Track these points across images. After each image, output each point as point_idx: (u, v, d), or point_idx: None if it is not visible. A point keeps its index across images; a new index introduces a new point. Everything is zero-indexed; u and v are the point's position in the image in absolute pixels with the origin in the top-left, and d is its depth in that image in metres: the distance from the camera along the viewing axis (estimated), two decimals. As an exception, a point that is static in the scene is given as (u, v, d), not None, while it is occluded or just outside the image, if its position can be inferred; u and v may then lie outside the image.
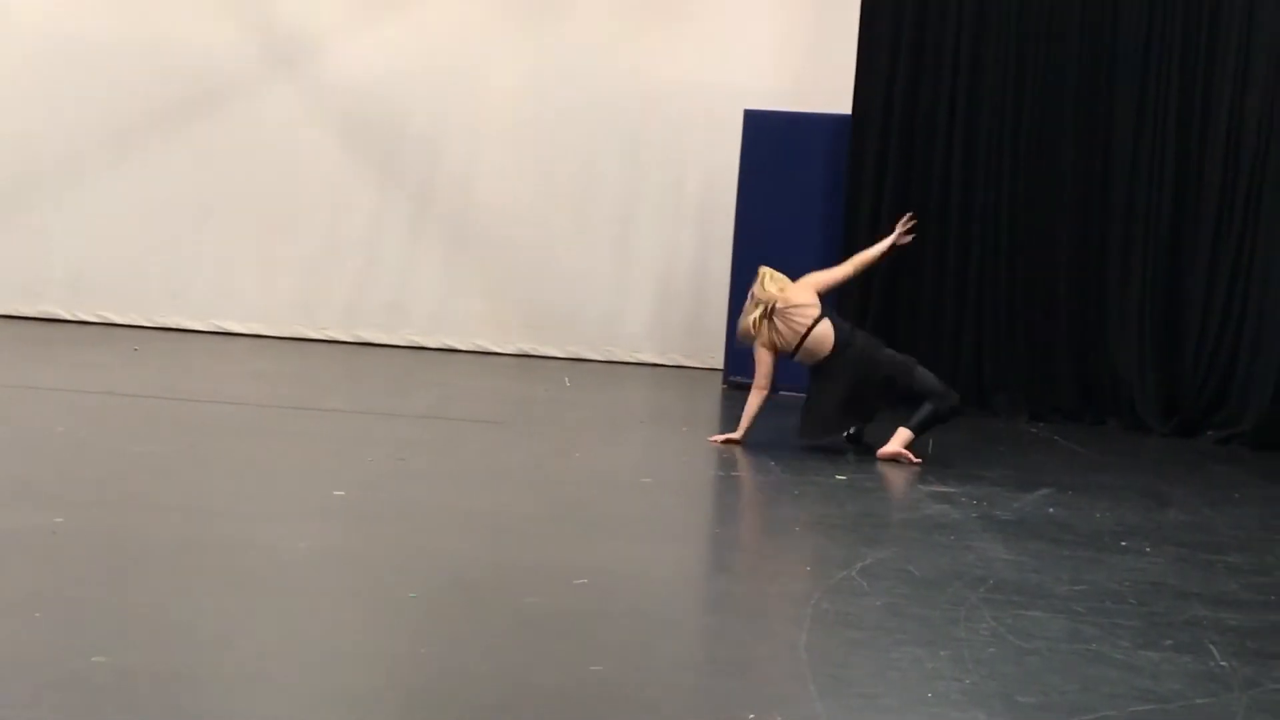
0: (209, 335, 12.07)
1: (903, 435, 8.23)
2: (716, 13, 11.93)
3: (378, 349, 12.02)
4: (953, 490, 7.49)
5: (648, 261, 12.07)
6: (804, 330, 8.36)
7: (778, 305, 8.39)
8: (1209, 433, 9.98)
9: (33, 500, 6.05)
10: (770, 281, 8.48)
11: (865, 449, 8.43)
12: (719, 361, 11.35)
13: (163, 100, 12.18)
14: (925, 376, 8.40)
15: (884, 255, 8.95)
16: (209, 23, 12.09)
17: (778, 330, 8.39)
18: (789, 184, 10.93)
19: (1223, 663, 4.82)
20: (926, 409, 8.28)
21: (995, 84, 10.58)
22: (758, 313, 8.43)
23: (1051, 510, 7.17)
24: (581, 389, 10.71)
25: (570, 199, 12.08)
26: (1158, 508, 7.47)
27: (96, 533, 5.62)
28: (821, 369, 8.43)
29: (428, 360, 11.64)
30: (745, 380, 10.76)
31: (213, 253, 12.21)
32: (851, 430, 8.62)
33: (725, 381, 11.07)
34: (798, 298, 8.43)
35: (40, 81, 12.10)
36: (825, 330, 8.38)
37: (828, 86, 11.06)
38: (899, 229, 8.94)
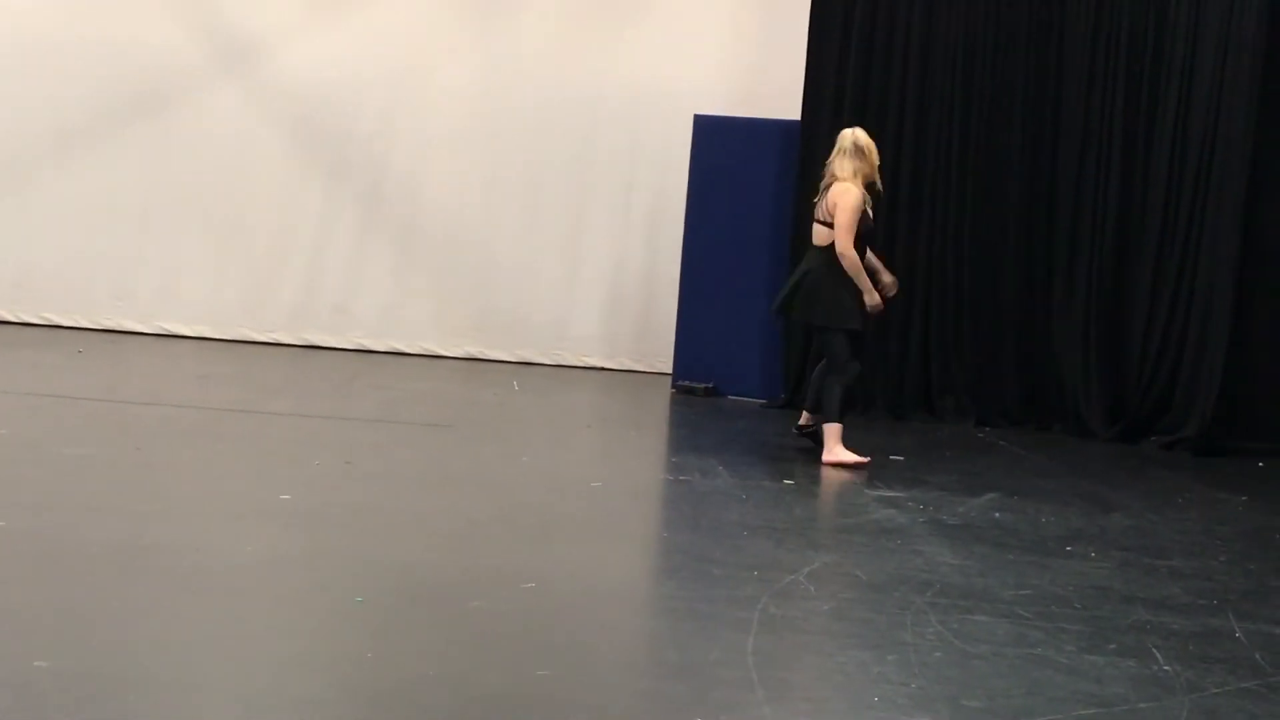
0: (154, 337, 11.98)
1: (835, 432, 8.27)
2: (666, 18, 11.93)
3: (325, 352, 11.96)
4: (899, 495, 7.52)
5: (597, 265, 12.06)
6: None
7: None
8: (1152, 438, 10.06)
9: (-26, 503, 5.98)
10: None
11: (813, 456, 8.45)
12: (668, 366, 11.34)
13: (109, 101, 12.07)
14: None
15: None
16: (156, 23, 11.98)
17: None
18: (738, 188, 10.94)
19: (1166, 667, 4.86)
20: (837, 391, 8.29)
21: (944, 91, 10.63)
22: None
23: (997, 515, 7.21)
24: (530, 393, 10.69)
25: (519, 203, 12.06)
26: (1102, 513, 7.53)
27: (39, 536, 5.57)
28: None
29: (375, 363, 11.59)
30: (693, 384, 10.83)
31: (158, 254, 12.11)
32: (807, 428, 8.63)
33: (674, 386, 11.07)
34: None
35: (-17, 81, 11.98)
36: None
37: (777, 92, 11.09)
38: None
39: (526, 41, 11.97)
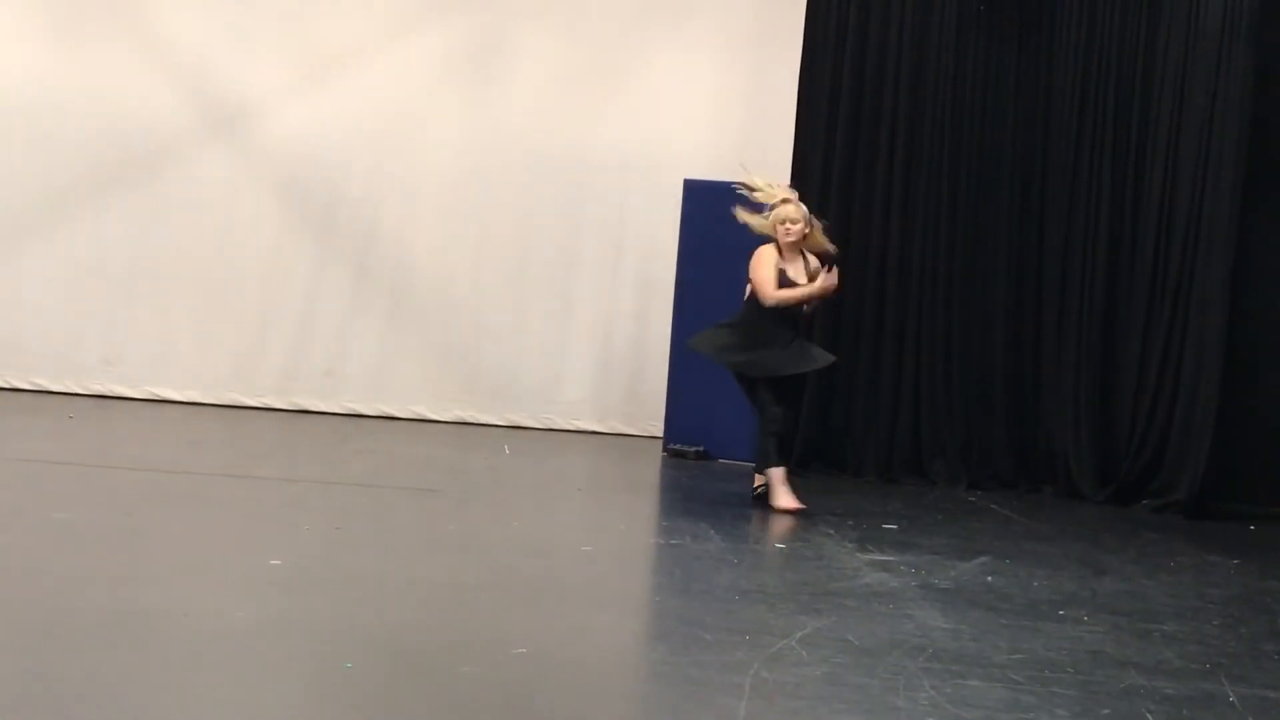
0: (144, 403, 11.96)
1: (779, 476, 8.58)
2: (655, 81, 12.01)
3: (315, 416, 11.94)
4: (891, 559, 7.50)
5: (586, 328, 12.08)
6: (813, 266, 8.75)
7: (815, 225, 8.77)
8: (1144, 501, 10.06)
9: (-38, 569, 5.95)
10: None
11: (805, 519, 8.43)
12: (659, 429, 11.35)
13: (97, 164, 12.10)
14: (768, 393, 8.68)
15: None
16: (145, 86, 12.03)
17: (815, 235, 8.73)
18: (729, 252, 10.95)
19: (1160, 731, 4.83)
20: (772, 442, 8.63)
21: (933, 153, 10.70)
22: (803, 213, 8.72)
23: (989, 579, 7.19)
24: (521, 456, 10.67)
25: (508, 265, 12.09)
26: (1094, 576, 7.51)
27: (27, 603, 5.53)
28: (773, 322, 8.67)
29: (365, 427, 11.57)
30: (684, 447, 10.81)
31: (148, 319, 12.11)
32: (758, 489, 8.79)
33: (665, 449, 11.06)
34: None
35: (-28, 144, 12.01)
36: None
37: (767, 155, 11.13)
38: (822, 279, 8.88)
39: (515, 105, 12.04)
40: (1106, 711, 5.01)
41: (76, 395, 11.98)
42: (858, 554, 7.61)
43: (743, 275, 10.99)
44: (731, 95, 11.94)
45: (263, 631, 5.38)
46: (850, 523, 8.57)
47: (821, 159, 10.73)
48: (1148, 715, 5.00)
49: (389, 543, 7.28)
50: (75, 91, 12.03)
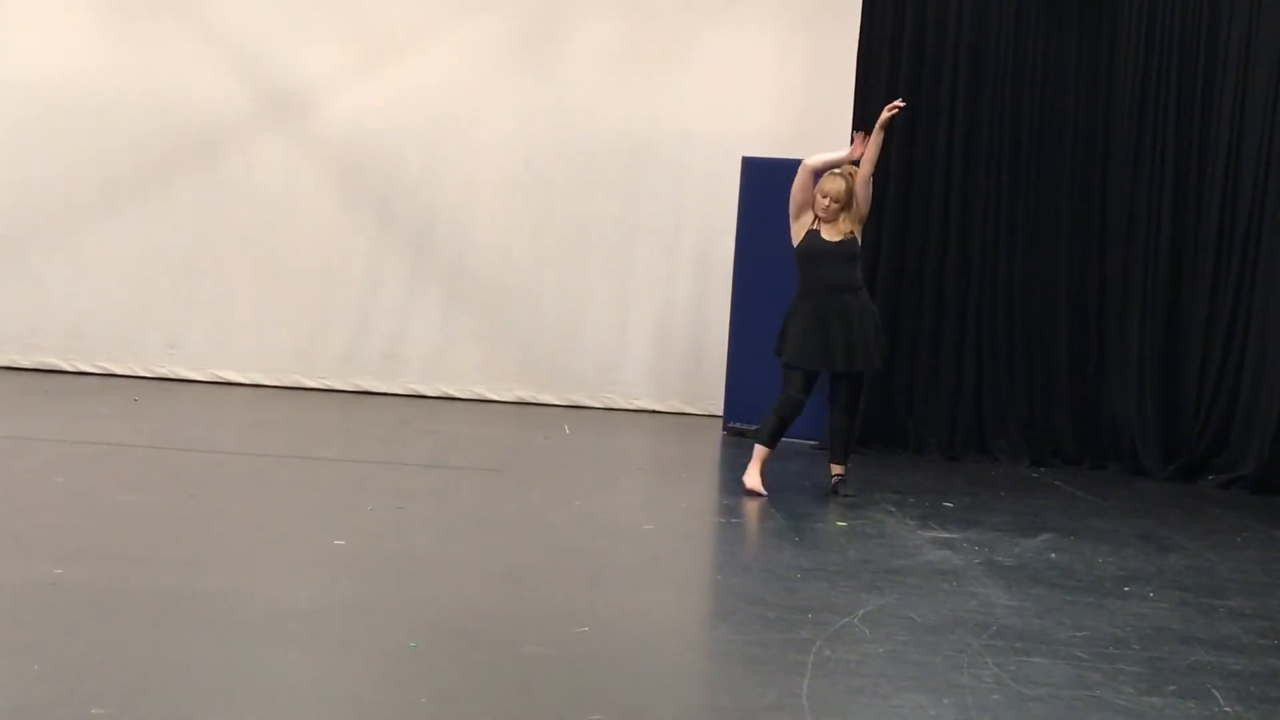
0: (207, 385, 12.06)
1: (761, 454, 8.38)
2: (712, 59, 11.98)
3: (376, 397, 12.01)
4: (954, 536, 7.47)
5: (645, 307, 12.08)
6: (851, 227, 8.43)
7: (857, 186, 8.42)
8: (1210, 477, 9.97)
9: (31, 552, 6.02)
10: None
11: (864, 498, 8.41)
12: (719, 408, 11.34)
13: (159, 151, 12.20)
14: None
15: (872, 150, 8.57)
16: (205, 75, 12.12)
17: (854, 197, 8.39)
18: (786, 230, 10.92)
19: (1226, 708, 4.80)
20: (774, 420, 8.40)
21: (993, 125, 10.63)
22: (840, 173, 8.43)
23: (1053, 555, 7.15)
24: (580, 436, 10.69)
25: (566, 246, 12.10)
26: (1159, 552, 7.45)
27: (95, 584, 5.59)
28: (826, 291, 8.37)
29: (426, 408, 11.63)
30: (745, 426, 10.79)
31: (210, 302, 12.21)
32: (836, 480, 8.60)
33: (725, 428, 11.05)
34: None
35: (38, 134, 12.12)
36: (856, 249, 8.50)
37: (825, 131, 11.09)
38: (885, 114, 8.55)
39: (572, 86, 12.04)
40: (1172, 688, 4.98)
41: (141, 378, 12.09)
42: (920, 531, 7.58)
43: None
44: (790, 71, 11.89)
45: (327, 612, 5.42)
46: (912, 500, 8.54)
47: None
48: (1214, 691, 4.96)
49: (451, 523, 7.32)
50: (135, 81, 12.12)
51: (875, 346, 8.42)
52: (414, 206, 12.22)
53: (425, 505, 7.70)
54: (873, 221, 10.65)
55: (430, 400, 12.03)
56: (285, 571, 5.99)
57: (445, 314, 12.22)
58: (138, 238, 12.18)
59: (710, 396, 11.67)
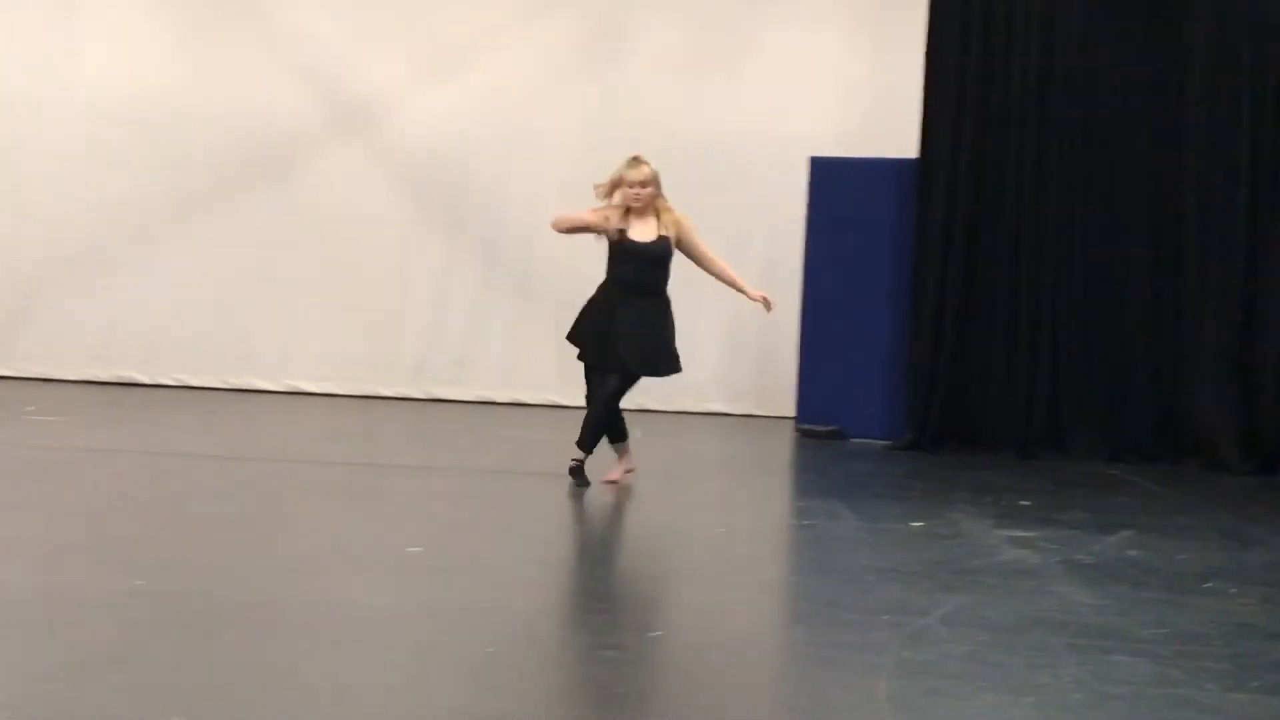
0: (282, 395, 12.16)
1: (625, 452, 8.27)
2: (776, 59, 11.95)
3: (448, 405, 12.06)
4: (1031, 535, 7.41)
5: (715, 310, 12.03)
6: (659, 237, 8.33)
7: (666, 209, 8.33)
8: (1291, 471, 9.85)
9: (114, 562, 6.09)
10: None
11: (939, 497, 8.35)
12: (790, 409, 11.30)
13: (232, 165, 12.34)
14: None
15: (735, 285, 8.63)
16: (275, 89, 12.25)
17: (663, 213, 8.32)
18: (857, 229, 10.90)
19: (1314, 705, 4.73)
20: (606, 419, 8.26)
21: (1066, 123, 10.51)
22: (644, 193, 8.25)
23: (1132, 553, 7.07)
24: (652, 439, 10.68)
25: (636, 250, 12.07)
26: (1240, 548, 7.36)
27: (175, 594, 5.65)
28: (627, 291, 8.29)
29: (498, 415, 11.67)
30: (816, 427, 10.75)
31: (283, 314, 12.32)
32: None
33: (797, 429, 11.02)
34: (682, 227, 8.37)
35: (114, 151, 12.28)
36: (667, 255, 8.32)
37: (893, 130, 11.04)
38: (760, 298, 8.58)
39: (636, 90, 12.05)
40: (1256, 684, 4.91)
41: (217, 389, 12.21)
42: (996, 530, 7.52)
43: (869, 252, 10.94)
44: (856, 70, 11.85)
45: (403, 618, 5.44)
46: (988, 499, 8.48)
47: (951, 133, 10.59)
48: (1300, 689, 4.89)
49: (525, 528, 7.34)
50: (207, 96, 12.26)
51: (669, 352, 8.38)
52: (483, 213, 12.27)
53: (499, 511, 7.72)
54: (943, 220, 10.61)
55: (502, 406, 12.07)
56: (362, 578, 6.03)
57: (515, 320, 12.26)
58: (212, 250, 12.30)
59: (781, 398, 11.62)
